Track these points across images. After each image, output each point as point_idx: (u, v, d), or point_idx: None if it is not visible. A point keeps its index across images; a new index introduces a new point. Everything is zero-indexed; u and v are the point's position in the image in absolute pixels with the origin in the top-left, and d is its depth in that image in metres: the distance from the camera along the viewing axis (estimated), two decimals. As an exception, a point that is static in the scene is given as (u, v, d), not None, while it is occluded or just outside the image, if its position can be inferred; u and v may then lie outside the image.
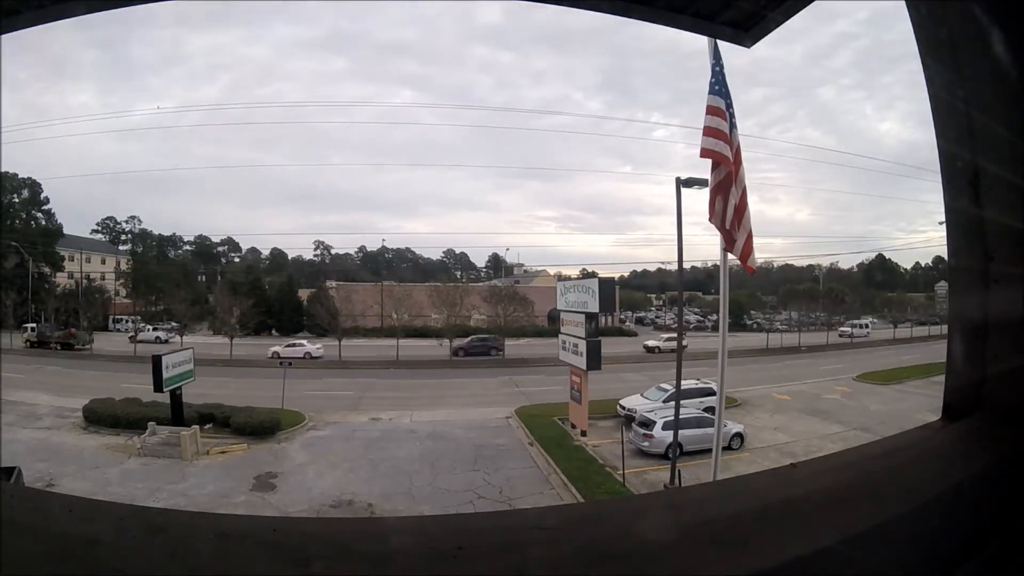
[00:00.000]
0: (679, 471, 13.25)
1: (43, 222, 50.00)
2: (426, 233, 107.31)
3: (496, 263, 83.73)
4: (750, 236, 8.71)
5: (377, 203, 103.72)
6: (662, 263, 73.39)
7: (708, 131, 8.76)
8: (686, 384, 16.75)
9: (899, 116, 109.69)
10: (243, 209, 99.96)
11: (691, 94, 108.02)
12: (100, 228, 63.92)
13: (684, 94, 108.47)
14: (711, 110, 8.76)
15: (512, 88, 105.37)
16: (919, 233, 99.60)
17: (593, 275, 40.37)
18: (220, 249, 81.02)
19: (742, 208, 8.68)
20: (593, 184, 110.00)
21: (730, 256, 9.23)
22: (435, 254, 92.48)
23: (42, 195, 49.86)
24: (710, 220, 9.15)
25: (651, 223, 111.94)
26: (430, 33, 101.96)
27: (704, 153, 8.86)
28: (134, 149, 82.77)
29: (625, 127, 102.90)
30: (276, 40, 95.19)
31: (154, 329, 42.11)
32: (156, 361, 16.92)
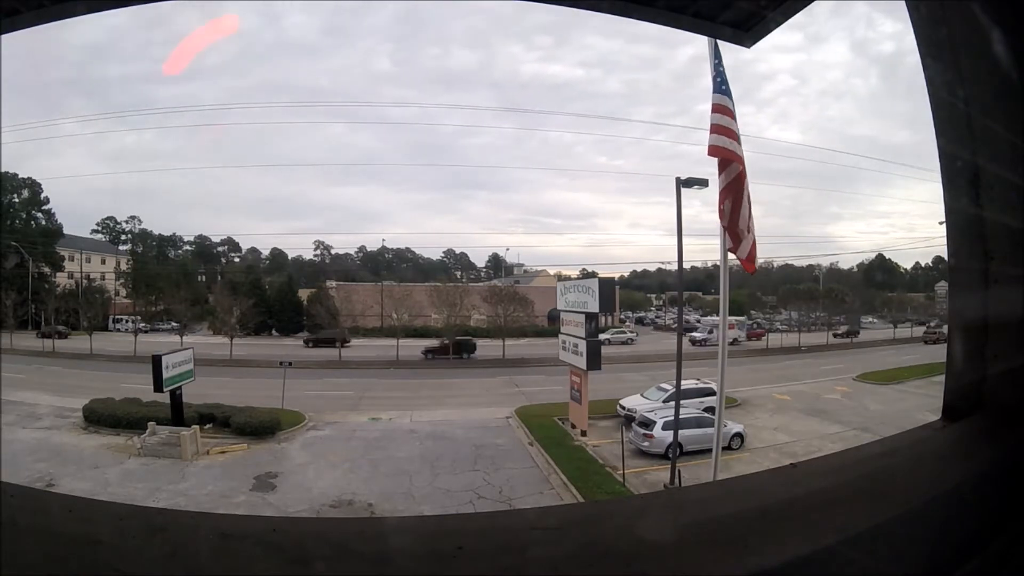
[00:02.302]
0: (679, 471, 13.26)
1: (43, 222, 50.01)
2: (421, 233, 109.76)
3: (496, 263, 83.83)
4: (754, 238, 8.68)
5: (352, 212, 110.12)
6: (662, 263, 73.44)
7: (715, 128, 8.60)
8: (686, 384, 16.75)
9: (799, 126, 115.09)
10: (242, 209, 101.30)
11: (584, 114, 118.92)
12: (100, 228, 64.13)
13: (580, 116, 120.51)
14: (717, 108, 8.63)
15: (429, 120, 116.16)
16: (880, 235, 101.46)
17: (593, 275, 40.43)
18: (220, 249, 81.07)
19: (749, 209, 8.63)
20: (541, 193, 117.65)
21: (730, 256, 9.17)
22: (435, 254, 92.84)
23: (42, 195, 49.93)
24: (720, 220, 8.90)
25: (610, 225, 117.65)
26: (341, 81, 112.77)
27: (712, 151, 8.66)
28: (131, 152, 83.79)
29: (542, 145, 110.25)
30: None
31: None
32: (156, 361, 16.91)
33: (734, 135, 8.55)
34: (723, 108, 8.62)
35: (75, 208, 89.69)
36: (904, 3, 1.60)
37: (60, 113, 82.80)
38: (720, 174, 8.85)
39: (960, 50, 1.46)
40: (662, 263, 73.99)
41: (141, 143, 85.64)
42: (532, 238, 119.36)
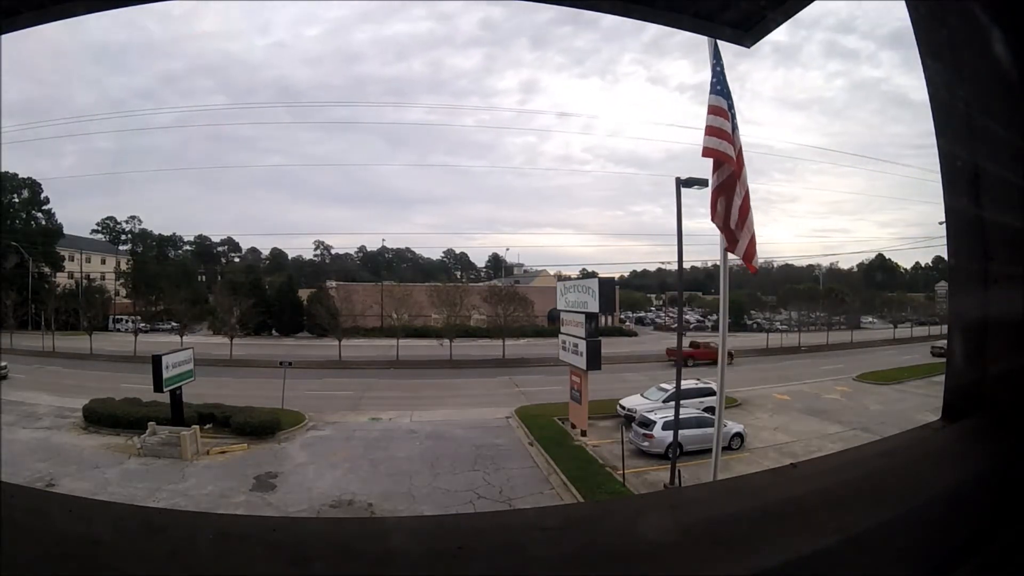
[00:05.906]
0: (679, 471, 13.26)
1: (43, 222, 50.00)
2: (422, 233, 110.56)
3: (496, 263, 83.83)
4: (753, 236, 8.72)
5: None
6: (662, 263, 73.39)
7: (710, 130, 8.71)
8: (686, 384, 16.76)
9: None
10: (240, 209, 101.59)
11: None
12: (100, 228, 64.19)
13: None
14: (713, 110, 8.73)
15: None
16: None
17: (593, 275, 40.42)
18: (220, 249, 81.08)
19: (745, 208, 8.68)
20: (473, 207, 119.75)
21: (730, 256, 9.23)
22: (435, 254, 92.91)
23: (42, 195, 49.94)
24: (712, 220, 9.12)
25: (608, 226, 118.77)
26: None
27: (706, 153, 8.78)
28: (130, 153, 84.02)
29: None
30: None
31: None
32: (156, 361, 16.91)
33: (728, 136, 8.62)
34: (718, 110, 8.69)
35: (75, 208, 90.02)
36: (904, 3, 1.60)
37: (59, 114, 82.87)
38: (713, 175, 9.02)
39: (960, 50, 1.46)
40: (662, 263, 74.00)
41: (141, 144, 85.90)
42: (533, 238, 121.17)
